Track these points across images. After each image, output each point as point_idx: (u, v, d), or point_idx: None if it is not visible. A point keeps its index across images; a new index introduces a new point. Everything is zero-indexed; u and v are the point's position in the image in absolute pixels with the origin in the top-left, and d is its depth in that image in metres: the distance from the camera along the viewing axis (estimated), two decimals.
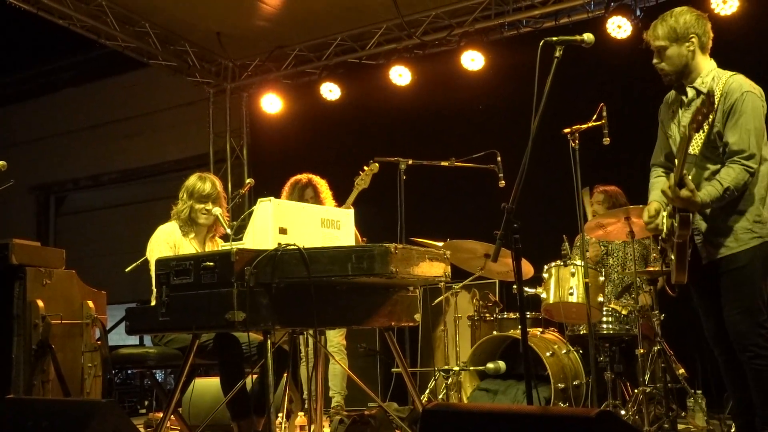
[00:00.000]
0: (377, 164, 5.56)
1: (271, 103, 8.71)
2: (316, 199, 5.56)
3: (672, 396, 4.93)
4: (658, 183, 3.83)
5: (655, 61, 3.68)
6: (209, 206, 4.54)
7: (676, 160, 3.48)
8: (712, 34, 3.68)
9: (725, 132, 3.49)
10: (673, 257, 3.63)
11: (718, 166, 3.52)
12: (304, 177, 5.68)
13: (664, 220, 3.71)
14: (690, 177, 3.45)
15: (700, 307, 3.80)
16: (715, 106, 3.37)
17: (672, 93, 3.84)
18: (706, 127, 3.49)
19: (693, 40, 3.60)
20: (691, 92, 3.67)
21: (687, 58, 3.62)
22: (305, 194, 5.59)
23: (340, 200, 5.61)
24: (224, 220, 4.55)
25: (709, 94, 3.28)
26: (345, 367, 5.60)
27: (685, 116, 3.66)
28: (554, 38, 3.39)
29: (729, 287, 3.56)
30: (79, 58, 11.12)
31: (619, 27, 6.76)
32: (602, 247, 5.96)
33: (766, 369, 3.46)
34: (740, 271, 3.52)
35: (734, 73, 3.59)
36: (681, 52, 3.60)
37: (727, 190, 3.41)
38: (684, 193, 3.34)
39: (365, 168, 5.58)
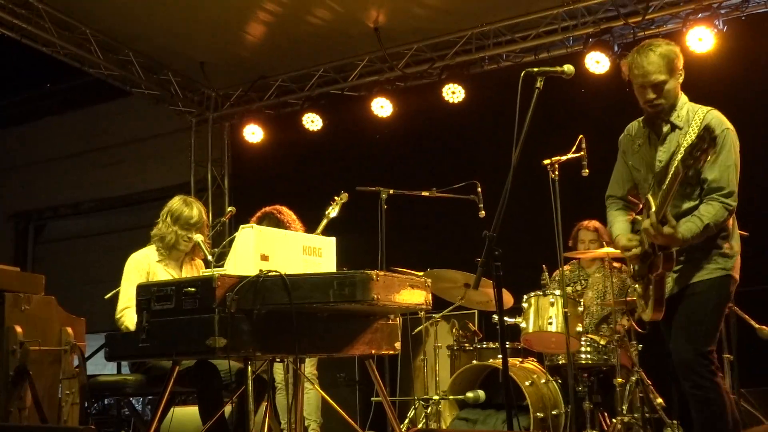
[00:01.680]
0: (346, 195, 5.57)
1: (253, 133, 8.72)
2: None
3: (650, 426, 4.95)
4: (619, 217, 3.80)
5: (650, 97, 3.52)
6: (191, 234, 4.52)
7: (650, 197, 3.43)
8: None
9: (706, 169, 3.41)
10: (650, 294, 3.53)
11: (690, 203, 3.48)
12: (269, 208, 5.66)
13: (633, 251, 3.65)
14: (669, 213, 3.38)
15: (667, 337, 3.70)
16: (717, 144, 3.21)
17: (635, 124, 3.76)
18: (679, 157, 3.38)
19: (682, 71, 3.57)
20: (666, 127, 3.59)
21: (677, 93, 3.56)
22: (269, 225, 5.58)
23: (312, 230, 5.59)
24: (205, 247, 4.53)
25: (708, 129, 3.13)
26: (322, 394, 5.56)
27: (662, 151, 3.59)
28: (535, 69, 3.41)
29: (681, 315, 3.51)
30: (61, 86, 11.10)
31: (597, 62, 6.86)
32: (583, 282, 6.00)
33: (706, 401, 3.38)
34: (695, 297, 3.48)
35: (710, 108, 3.55)
36: (676, 85, 3.54)
37: (707, 227, 3.37)
38: (667, 230, 3.29)
39: (335, 198, 5.59)
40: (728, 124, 3.52)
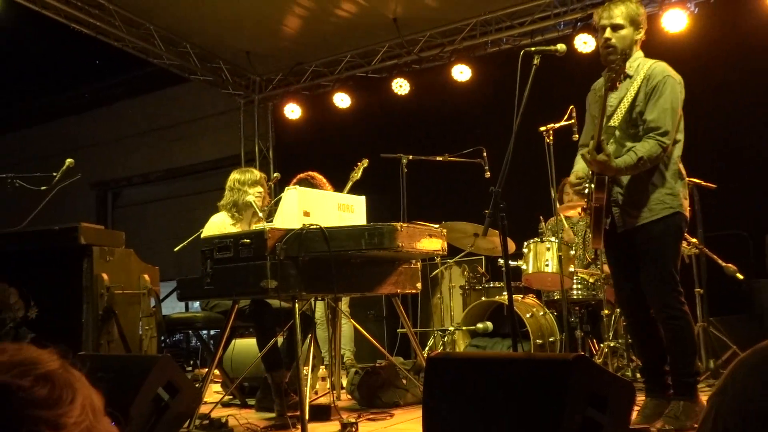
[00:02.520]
0: (367, 160, 5.56)
1: (292, 111, 8.70)
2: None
3: (631, 349, 4.95)
4: (581, 159, 3.61)
5: (606, 35, 3.36)
6: (260, 189, 4.57)
7: (593, 133, 3.28)
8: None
9: (646, 111, 3.28)
10: (590, 225, 3.39)
11: (635, 144, 3.30)
12: (304, 174, 5.68)
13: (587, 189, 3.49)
14: (611, 149, 3.28)
15: (615, 273, 3.59)
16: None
17: (599, 80, 3.62)
18: (627, 102, 3.30)
19: (642, 30, 3.43)
20: (601, 80, 3.43)
21: (632, 44, 3.40)
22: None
23: (341, 190, 5.60)
24: (257, 206, 4.57)
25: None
26: (356, 328, 5.63)
27: (613, 97, 3.41)
28: (533, 48, 3.35)
29: (646, 256, 3.34)
30: (131, 75, 11.11)
31: (585, 43, 6.75)
32: (570, 228, 5.96)
33: (680, 328, 3.28)
34: (653, 241, 3.31)
35: (657, 60, 3.39)
36: (632, 36, 3.38)
37: (641, 159, 3.20)
38: (601, 157, 3.16)
39: (357, 164, 5.60)
40: (671, 73, 3.33)
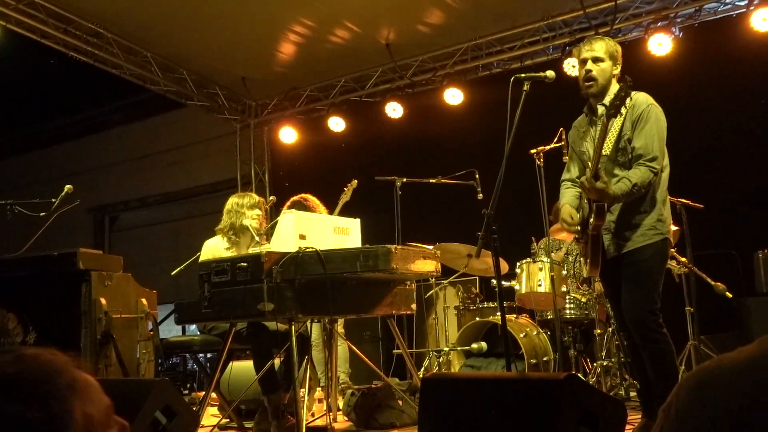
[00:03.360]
0: (356, 181, 5.61)
1: (288, 135, 8.76)
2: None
3: (624, 368, 4.96)
4: (568, 192, 3.72)
5: (588, 67, 3.48)
6: (258, 212, 4.59)
7: (590, 163, 3.35)
8: None
9: (633, 138, 3.37)
10: (588, 253, 3.44)
11: (625, 172, 3.37)
12: (297, 197, 5.70)
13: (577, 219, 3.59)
14: (601, 173, 3.31)
15: (611, 298, 3.64)
16: (627, 94, 3.19)
17: (579, 118, 3.72)
18: (614, 133, 3.37)
19: (619, 66, 3.54)
20: (600, 108, 3.51)
21: (611, 78, 3.51)
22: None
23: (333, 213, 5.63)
24: (253, 231, 4.59)
25: (625, 80, 3.13)
26: (352, 349, 5.63)
27: (597, 130, 3.48)
28: (522, 75, 3.41)
29: (629, 277, 3.39)
30: (128, 101, 11.18)
31: (573, 66, 6.82)
32: (564, 249, 6.00)
33: (658, 350, 3.32)
34: (642, 264, 3.36)
35: (637, 92, 3.47)
36: (611, 70, 3.50)
37: (635, 186, 3.27)
38: (599, 184, 3.22)
39: (347, 186, 5.64)
40: (653, 102, 3.43)
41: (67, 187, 4.89)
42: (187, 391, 7.63)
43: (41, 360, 0.84)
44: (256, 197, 4.66)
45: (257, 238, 4.44)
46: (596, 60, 3.49)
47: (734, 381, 0.69)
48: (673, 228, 4.86)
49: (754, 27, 6.20)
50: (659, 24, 6.61)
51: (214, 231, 4.71)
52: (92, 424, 0.83)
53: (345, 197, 5.67)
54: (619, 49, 3.58)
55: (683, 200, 4.97)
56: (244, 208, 4.56)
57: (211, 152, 10.71)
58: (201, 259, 4.53)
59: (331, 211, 5.55)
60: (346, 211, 5.57)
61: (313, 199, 5.65)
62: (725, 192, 6.21)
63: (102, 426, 0.84)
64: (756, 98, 6.25)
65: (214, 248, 4.56)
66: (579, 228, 3.58)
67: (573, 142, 3.77)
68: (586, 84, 3.52)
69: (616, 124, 3.41)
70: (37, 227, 4.75)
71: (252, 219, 4.55)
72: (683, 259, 5.00)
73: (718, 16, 6.62)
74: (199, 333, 4.64)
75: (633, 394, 5.04)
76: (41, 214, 4.87)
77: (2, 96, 10.50)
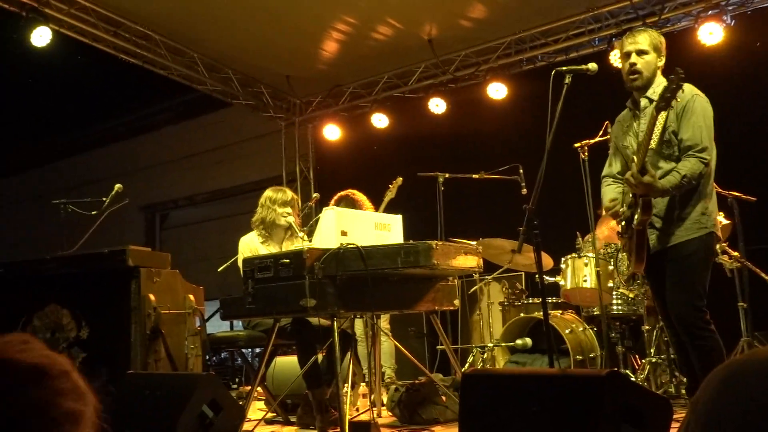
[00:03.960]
0: (401, 179, 5.63)
1: (332, 132, 8.83)
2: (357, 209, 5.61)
3: (674, 365, 4.86)
4: (609, 189, 3.66)
5: (632, 60, 3.43)
6: (289, 210, 4.61)
7: (635, 156, 3.29)
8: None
9: (680, 130, 3.31)
10: (632, 248, 3.38)
11: (671, 164, 3.32)
12: (344, 192, 5.73)
13: (622, 213, 3.53)
14: (648, 167, 3.25)
15: (656, 293, 3.57)
16: (679, 86, 3.09)
17: (623, 113, 3.67)
18: (659, 125, 3.28)
19: (663, 57, 3.49)
20: (644, 101, 3.48)
21: (656, 70, 3.47)
22: (346, 206, 5.65)
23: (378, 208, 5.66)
24: (296, 226, 4.64)
25: (676, 72, 3.04)
26: (395, 345, 5.65)
27: (642, 122, 3.45)
28: (564, 68, 3.38)
29: (674, 273, 3.34)
30: (176, 101, 11.41)
31: (619, 58, 6.68)
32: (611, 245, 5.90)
33: (705, 347, 3.25)
34: (687, 258, 3.31)
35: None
36: (655, 62, 3.46)
37: (684, 177, 3.22)
38: (647, 178, 3.17)
39: (392, 183, 5.66)
40: (698, 92, 3.37)
41: (117, 186, 5.03)
42: (234, 386, 7.76)
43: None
44: (289, 194, 4.66)
45: (300, 234, 4.48)
46: (640, 53, 3.44)
47: (765, 378, 0.66)
48: (725, 221, 4.75)
49: None
50: (710, 12, 6.44)
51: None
52: (97, 407, 0.87)
53: (390, 194, 5.69)
54: (663, 40, 3.52)
55: (735, 193, 4.83)
56: (275, 204, 4.59)
57: (256, 150, 10.84)
58: (239, 255, 4.60)
59: (376, 208, 5.58)
60: (391, 208, 5.60)
61: (359, 195, 5.68)
62: None
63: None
64: None
65: (250, 243, 4.62)
66: (616, 211, 3.52)
67: (616, 137, 3.73)
68: (631, 77, 3.47)
69: (660, 116, 3.34)
70: (90, 226, 4.90)
71: (283, 217, 4.58)
72: (735, 254, 4.86)
73: None
74: (244, 329, 4.72)
75: (683, 391, 4.95)
76: (93, 212, 5.02)
77: (56, 98, 10.84)
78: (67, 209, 5.10)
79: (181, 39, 7.40)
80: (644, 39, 3.45)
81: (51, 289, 4.44)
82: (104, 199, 5.05)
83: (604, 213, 5.49)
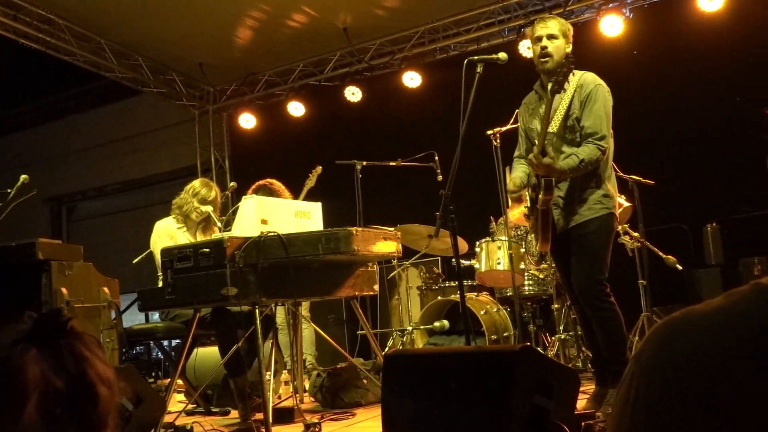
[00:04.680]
0: (320, 167, 5.69)
1: (247, 121, 8.73)
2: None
3: (581, 341, 5.11)
4: (519, 167, 3.81)
5: (543, 44, 3.55)
6: (209, 208, 4.55)
7: (537, 140, 3.46)
8: None
9: (582, 117, 3.47)
10: (537, 229, 3.54)
11: (573, 149, 3.48)
12: (262, 181, 5.71)
13: (527, 196, 3.71)
14: (549, 149, 3.43)
15: (562, 271, 3.74)
16: (570, 69, 3.30)
17: (530, 95, 3.80)
18: (562, 111, 3.45)
19: (570, 44, 3.62)
20: (551, 84, 3.55)
21: (564, 54, 3.57)
22: (264, 195, 5.64)
23: (297, 197, 5.66)
24: (215, 216, 4.59)
25: (567, 56, 3.23)
26: (316, 331, 5.69)
27: (543, 107, 3.56)
28: (475, 57, 3.48)
29: (577, 250, 3.50)
30: (82, 88, 10.97)
31: (528, 48, 6.89)
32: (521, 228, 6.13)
33: (606, 319, 3.44)
34: (588, 236, 3.48)
35: (584, 71, 3.59)
36: (564, 48, 3.57)
37: (582, 161, 3.38)
38: (546, 160, 3.33)
39: (311, 172, 5.69)
40: (600, 82, 3.54)
41: (23, 177, 4.82)
42: (152, 380, 7.60)
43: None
44: (213, 193, 4.58)
45: (219, 224, 4.45)
46: (551, 37, 3.57)
47: (709, 332, 0.72)
48: (626, 204, 5.03)
49: (701, 8, 6.37)
50: (611, 5, 6.76)
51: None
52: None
53: (310, 183, 5.71)
54: (571, 28, 3.68)
55: (635, 177, 5.11)
56: (195, 198, 4.53)
57: (169, 139, 10.59)
58: (153, 239, 4.53)
59: (295, 197, 5.58)
60: (310, 196, 5.62)
61: (278, 184, 5.67)
62: (675, 168, 6.40)
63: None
64: (703, 75, 6.43)
65: (168, 227, 4.56)
66: (519, 195, 3.73)
67: (522, 119, 3.88)
68: (542, 60, 3.58)
69: (564, 101, 3.51)
70: None
71: (197, 212, 4.53)
72: (636, 234, 5.16)
73: None
74: (161, 320, 4.64)
75: (590, 365, 5.22)
76: None
77: None
78: None
79: (87, 24, 7.12)
80: (554, 25, 3.58)
81: None
82: (9, 190, 4.83)
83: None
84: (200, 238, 4.66)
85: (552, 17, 3.66)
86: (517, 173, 3.78)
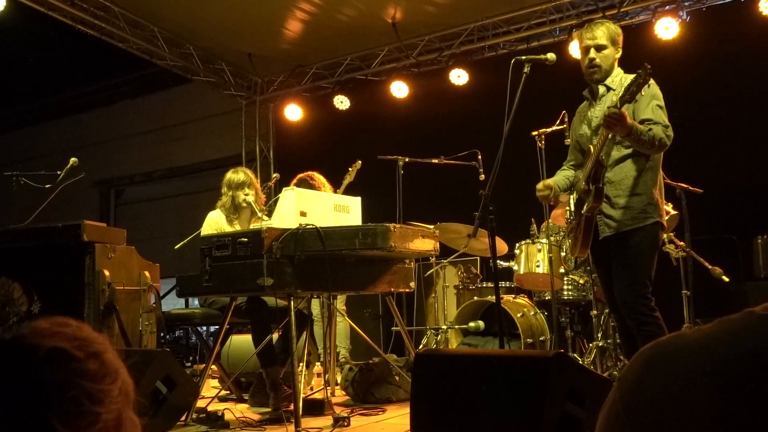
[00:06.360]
0: (360, 162, 5.66)
1: (293, 112, 8.79)
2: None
3: (620, 349, 5.00)
4: (561, 172, 3.78)
5: (591, 55, 3.49)
6: (247, 191, 4.62)
7: (590, 146, 3.41)
8: None
9: (640, 113, 3.35)
10: (578, 235, 3.46)
11: (624, 151, 3.39)
12: (303, 174, 5.73)
13: (571, 201, 3.65)
14: (602, 155, 3.36)
15: (603, 279, 3.64)
16: (646, 81, 3.14)
17: (583, 104, 3.73)
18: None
19: (619, 48, 3.55)
20: (602, 89, 3.55)
21: (613, 62, 3.53)
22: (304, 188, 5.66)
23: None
24: (255, 205, 4.64)
25: (644, 68, 3.08)
26: (351, 326, 5.70)
27: (597, 108, 3.53)
28: (523, 57, 3.44)
29: (621, 261, 3.41)
30: (135, 75, 11.18)
31: (579, 50, 6.82)
32: (563, 232, 6.03)
33: (649, 334, 3.30)
34: (633, 247, 3.38)
35: (634, 73, 3.43)
36: (613, 54, 3.52)
37: (655, 136, 3.22)
38: (624, 111, 3.14)
39: (351, 166, 5.68)
40: (652, 81, 3.38)
41: (73, 160, 4.95)
42: (189, 364, 7.73)
43: (88, 329, 0.92)
44: (242, 175, 4.67)
45: (259, 214, 4.48)
46: (599, 48, 3.51)
47: (690, 359, 0.70)
48: (672, 212, 4.90)
49: (762, 11, 6.17)
50: (667, 7, 6.59)
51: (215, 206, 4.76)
52: (127, 393, 0.90)
53: (349, 178, 5.72)
54: (620, 32, 3.59)
55: (683, 184, 4.98)
56: (233, 188, 4.62)
57: (216, 128, 10.72)
58: (202, 230, 4.59)
59: (335, 190, 5.60)
60: (350, 190, 5.62)
61: (318, 177, 5.69)
62: (726, 177, 6.21)
63: (131, 400, 0.92)
64: (761, 83, 6.23)
65: (218, 219, 4.62)
66: (544, 195, 3.70)
67: (574, 128, 3.82)
68: (590, 71, 3.54)
69: (625, 108, 3.39)
70: (43, 199, 4.80)
71: (245, 196, 4.59)
72: (681, 243, 5.03)
73: (725, 1, 6.57)
74: (200, 306, 4.71)
75: None
76: (47, 186, 4.93)
77: (10, 68, 10.53)
78: (20, 181, 5.00)
79: (141, 12, 7.25)
80: (602, 33, 3.50)
81: (2, 263, 4.36)
82: (59, 172, 4.95)
83: (559, 199, 5.64)
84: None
85: (600, 24, 3.57)
86: (555, 177, 3.74)
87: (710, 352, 0.70)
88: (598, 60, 3.49)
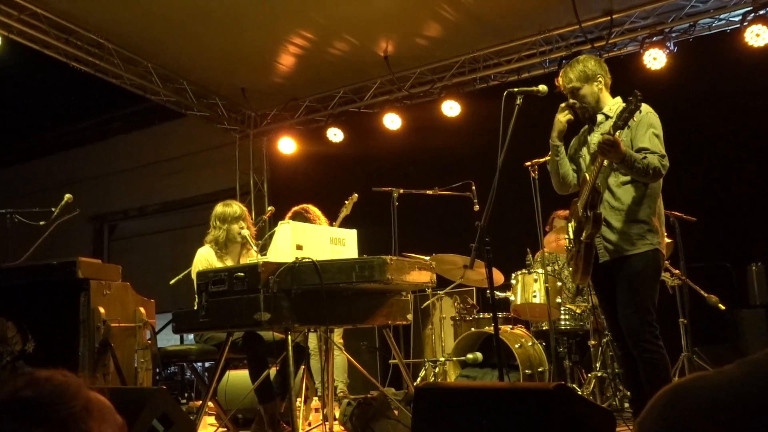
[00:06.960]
0: (356, 195, 5.69)
1: (287, 145, 8.82)
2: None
3: (618, 378, 4.99)
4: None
5: (571, 101, 3.62)
6: (242, 224, 4.59)
7: (586, 174, 3.44)
8: (609, 76, 3.68)
9: (638, 141, 3.40)
10: (579, 262, 3.48)
11: (622, 177, 3.44)
12: (298, 207, 5.73)
13: (570, 229, 3.67)
14: (599, 182, 3.41)
15: (604, 305, 3.66)
16: (637, 107, 3.20)
17: (583, 129, 3.79)
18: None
19: (600, 79, 3.61)
20: (600, 117, 3.63)
21: (598, 93, 3.60)
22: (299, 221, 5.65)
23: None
24: (251, 240, 4.62)
25: (635, 95, 3.15)
26: (348, 360, 5.66)
27: (595, 135, 3.59)
28: (515, 89, 3.48)
29: (624, 289, 3.42)
30: (128, 110, 11.23)
31: None
32: (559, 262, 6.04)
33: (655, 362, 3.34)
34: (635, 275, 3.39)
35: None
36: (592, 90, 3.60)
37: (649, 165, 3.27)
38: (617, 138, 3.22)
39: (347, 199, 5.71)
40: (650, 109, 3.49)
41: (67, 196, 4.93)
42: (185, 401, 7.63)
43: (55, 382, 0.88)
44: (236, 207, 4.63)
45: (255, 248, 4.47)
46: (574, 91, 3.63)
47: (715, 405, 0.69)
48: (667, 240, 4.92)
49: (747, 42, 6.27)
50: (654, 39, 6.69)
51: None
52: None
53: (345, 211, 5.72)
54: (593, 63, 3.65)
55: (676, 213, 5.01)
56: (226, 222, 4.57)
57: (210, 162, 10.74)
58: (193, 267, 4.56)
59: (331, 223, 5.60)
60: (345, 222, 5.62)
61: (314, 210, 5.70)
62: (719, 205, 6.26)
63: None
64: (748, 112, 6.31)
65: (208, 256, 4.59)
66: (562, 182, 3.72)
67: (572, 144, 3.87)
68: (579, 111, 3.66)
69: (618, 134, 3.42)
70: (37, 236, 4.78)
71: (240, 230, 4.56)
72: (677, 271, 5.04)
73: (712, 32, 6.69)
74: (195, 342, 4.67)
75: (627, 405, 5.08)
76: (41, 223, 4.91)
77: (3, 105, 10.55)
78: (14, 219, 4.98)
79: (134, 48, 7.32)
80: (574, 76, 3.62)
81: None
82: (53, 209, 4.94)
83: (554, 225, 5.66)
84: (242, 262, 4.69)
85: (573, 65, 3.66)
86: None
87: (737, 398, 0.69)
88: (578, 103, 3.62)
